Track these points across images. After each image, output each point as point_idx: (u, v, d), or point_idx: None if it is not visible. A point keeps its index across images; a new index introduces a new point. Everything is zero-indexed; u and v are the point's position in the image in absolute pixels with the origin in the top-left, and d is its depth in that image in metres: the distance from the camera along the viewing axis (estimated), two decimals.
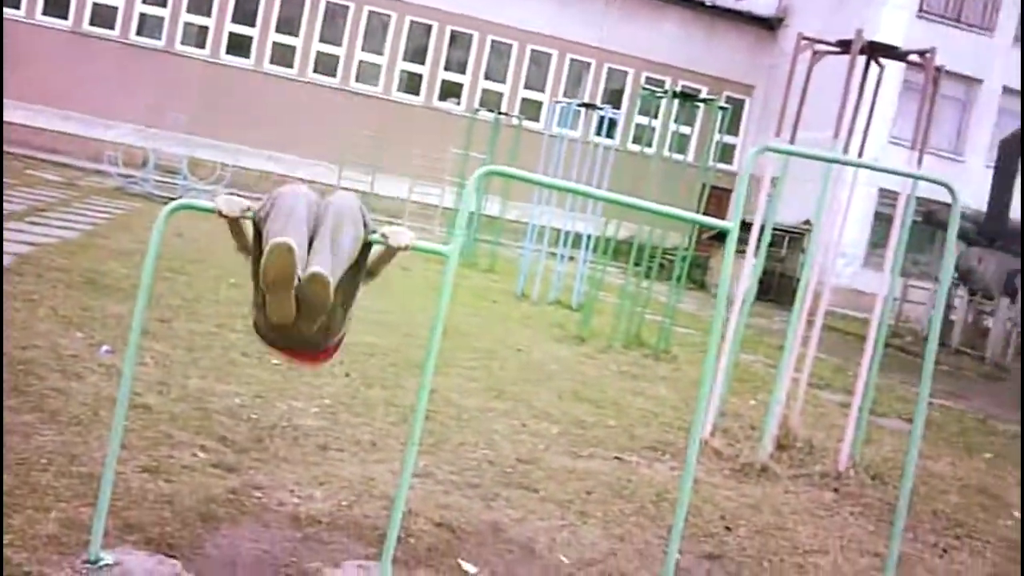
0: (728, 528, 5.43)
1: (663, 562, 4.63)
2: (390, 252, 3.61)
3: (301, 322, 3.33)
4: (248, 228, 3.54)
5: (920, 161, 7.14)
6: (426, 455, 5.39)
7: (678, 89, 12.87)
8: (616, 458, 6.40)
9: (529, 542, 4.62)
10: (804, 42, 7.11)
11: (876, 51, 7.35)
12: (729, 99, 22.32)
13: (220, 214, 3.42)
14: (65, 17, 24.65)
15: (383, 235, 3.60)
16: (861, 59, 7.12)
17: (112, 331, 7.02)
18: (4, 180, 16.31)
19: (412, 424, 3.61)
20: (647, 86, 14.20)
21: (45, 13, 24.58)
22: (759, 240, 7.24)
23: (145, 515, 3.99)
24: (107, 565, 3.50)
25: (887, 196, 19.79)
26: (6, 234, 10.56)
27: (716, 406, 7.40)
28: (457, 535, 4.49)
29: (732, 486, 6.26)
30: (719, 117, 12.21)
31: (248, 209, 3.50)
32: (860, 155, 7.68)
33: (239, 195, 3.71)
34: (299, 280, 3.23)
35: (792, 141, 7.37)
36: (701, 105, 13.34)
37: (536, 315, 12.49)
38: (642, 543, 4.92)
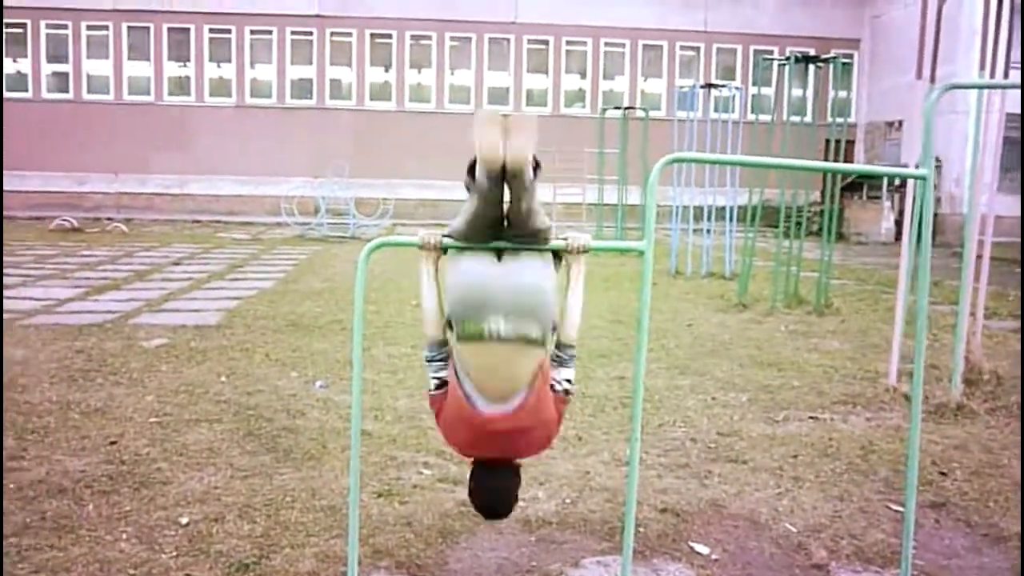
0: (943, 473, 4.95)
1: (893, 520, 4.24)
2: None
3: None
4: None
5: None
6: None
7: (788, 54, 12.14)
8: (811, 418, 5.97)
9: (752, 514, 4.28)
10: None
11: None
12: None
13: (422, 247, 3.21)
14: (229, 95, 25.48)
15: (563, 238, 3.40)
16: None
17: (320, 366, 7.01)
18: (201, 245, 16.91)
19: (632, 419, 3.34)
20: (766, 56, 13.45)
21: (211, 95, 25.45)
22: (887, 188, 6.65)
23: (390, 539, 3.84)
24: None
25: (1012, 120, 18.42)
26: (215, 292, 10.85)
27: (897, 352, 6.86)
28: (682, 518, 4.19)
29: (932, 429, 5.73)
30: (839, 73, 11.51)
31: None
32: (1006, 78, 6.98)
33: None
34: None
35: (932, 80, 6.76)
36: (811, 67, 12.57)
37: (694, 290, 12.03)
38: (862, 500, 4.51)
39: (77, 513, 4.01)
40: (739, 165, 3.59)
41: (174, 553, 3.66)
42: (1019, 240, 19.46)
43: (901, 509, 4.32)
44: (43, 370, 6.58)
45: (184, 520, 3.98)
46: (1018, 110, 7.55)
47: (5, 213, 21.36)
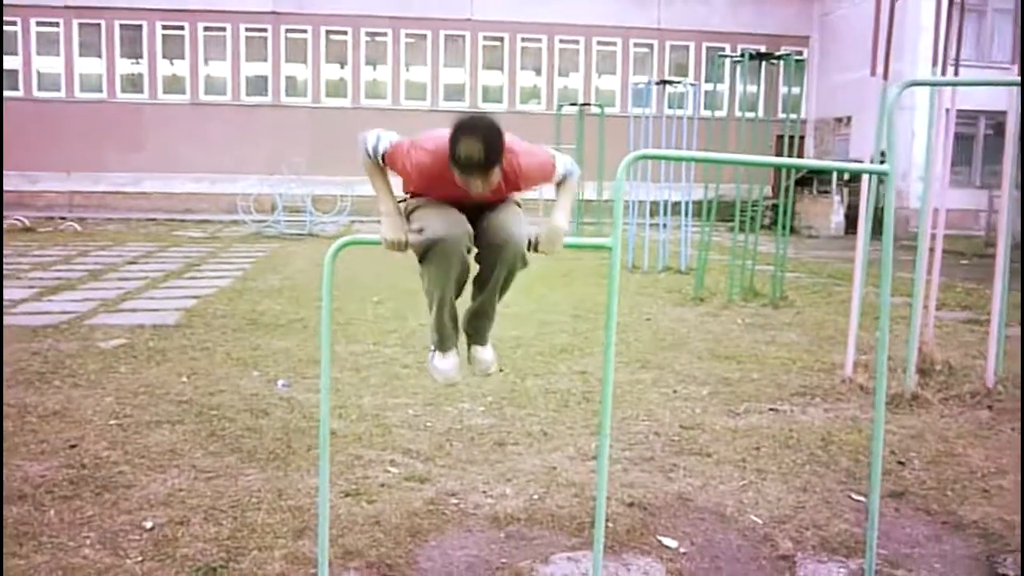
0: (901, 463, 5.00)
1: (856, 510, 4.27)
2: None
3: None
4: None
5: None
6: (596, 436, 5.10)
7: (739, 52, 12.19)
8: (771, 409, 6.01)
9: (718, 507, 4.29)
10: None
11: None
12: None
13: (387, 245, 3.17)
14: (183, 92, 25.12)
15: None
16: None
17: (283, 365, 6.91)
18: (157, 244, 16.64)
19: (601, 414, 3.32)
20: (720, 54, 13.53)
21: (165, 92, 25.07)
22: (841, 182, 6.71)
23: (359, 540, 3.78)
24: None
25: (962, 116, 18.75)
26: (172, 291, 10.67)
27: (853, 343, 6.93)
28: (650, 512, 4.18)
29: (889, 419, 5.77)
30: (792, 70, 11.59)
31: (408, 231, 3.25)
32: (956, 75, 7.07)
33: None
34: None
35: (886, 76, 6.83)
36: (763, 64, 12.66)
37: (651, 284, 12.07)
38: (825, 491, 4.53)
39: (38, 519, 3.90)
40: (703, 162, 3.59)
41: (139, 558, 3.58)
42: (964, 233, 19.85)
43: (863, 499, 4.37)
44: None
45: (148, 524, 3.89)
46: (968, 106, 7.64)
47: None
